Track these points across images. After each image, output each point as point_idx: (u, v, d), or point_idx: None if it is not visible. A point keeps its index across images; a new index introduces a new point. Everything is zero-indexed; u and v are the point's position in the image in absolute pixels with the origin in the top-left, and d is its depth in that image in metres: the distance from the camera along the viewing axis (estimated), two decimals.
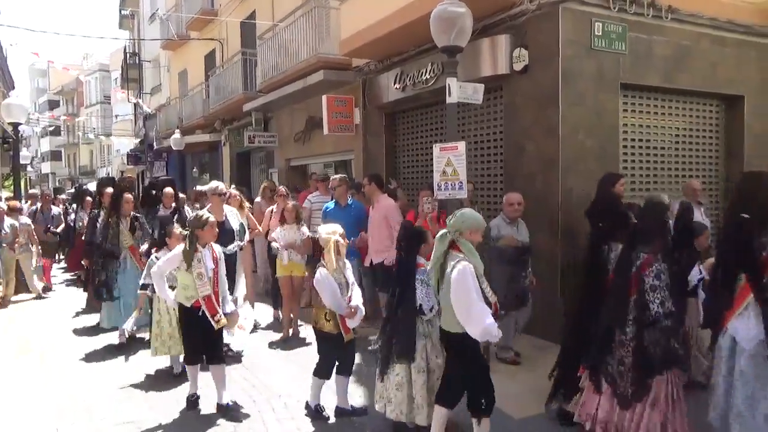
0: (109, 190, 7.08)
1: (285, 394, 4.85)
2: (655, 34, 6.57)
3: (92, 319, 7.28)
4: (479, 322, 3.38)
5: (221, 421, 4.34)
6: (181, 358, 5.11)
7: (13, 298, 8.93)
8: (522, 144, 6.55)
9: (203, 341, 4.44)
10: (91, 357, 6.02)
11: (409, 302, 3.82)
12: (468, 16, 5.26)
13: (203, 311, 4.35)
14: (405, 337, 3.79)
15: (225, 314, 4.46)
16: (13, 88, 19.47)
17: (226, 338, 4.77)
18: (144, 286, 5.13)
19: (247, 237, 6.24)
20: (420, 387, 3.82)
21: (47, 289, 9.77)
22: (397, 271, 3.99)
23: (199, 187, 10.03)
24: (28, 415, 4.52)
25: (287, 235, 6.33)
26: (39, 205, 10.60)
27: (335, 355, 4.28)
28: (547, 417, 4.20)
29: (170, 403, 4.71)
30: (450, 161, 5.35)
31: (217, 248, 4.61)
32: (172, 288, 4.62)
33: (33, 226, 9.34)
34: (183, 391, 4.92)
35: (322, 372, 4.32)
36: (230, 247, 5.75)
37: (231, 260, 5.58)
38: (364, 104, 9.61)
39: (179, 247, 4.44)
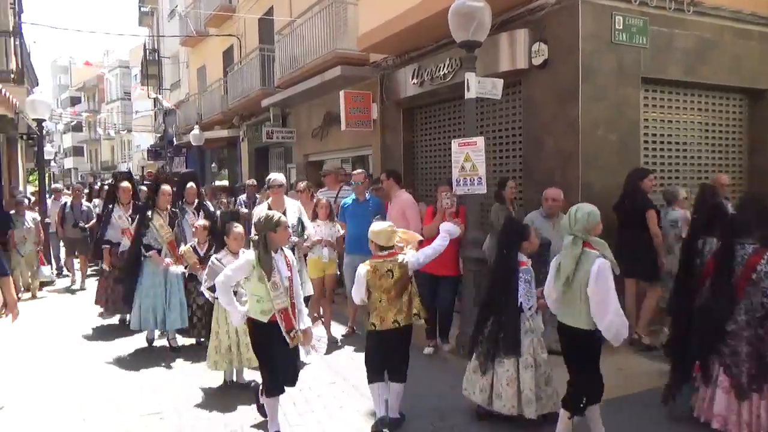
0: (125, 184, 6.93)
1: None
2: (677, 27, 6.47)
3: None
4: (614, 319, 3.36)
5: (244, 412, 4.40)
6: (244, 374, 4.95)
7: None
8: (541, 139, 6.52)
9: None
10: (118, 349, 6.13)
11: (512, 300, 3.86)
12: (487, 11, 5.23)
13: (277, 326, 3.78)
14: (511, 335, 3.84)
15: (301, 330, 3.87)
16: (37, 84, 19.81)
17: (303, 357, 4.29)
18: (213, 288, 4.36)
19: (309, 232, 5.85)
20: (528, 382, 3.88)
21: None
22: (498, 267, 4.00)
23: (217, 183, 10.09)
24: (55, 405, 4.63)
25: (321, 232, 6.09)
26: (69, 199, 10.18)
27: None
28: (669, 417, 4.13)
29: (194, 394, 4.80)
30: (469, 156, 5.34)
31: (289, 253, 4.02)
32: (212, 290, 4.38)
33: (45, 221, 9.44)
34: (209, 381, 5.00)
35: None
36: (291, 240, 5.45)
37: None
38: (381, 100, 9.62)
39: (249, 254, 3.80)
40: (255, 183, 10.05)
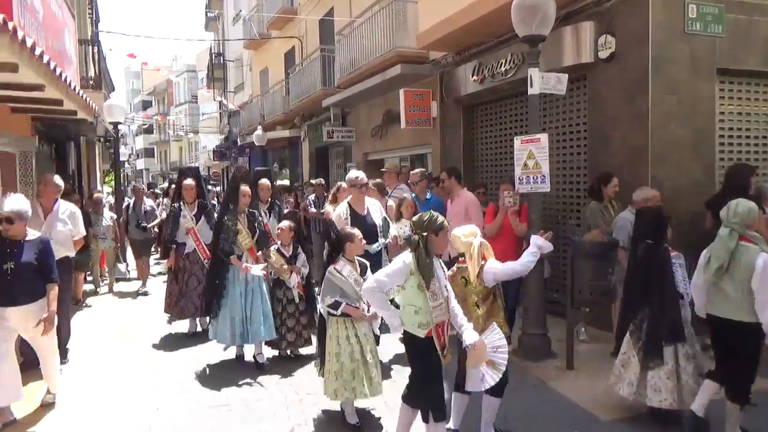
0: (189, 181, 6.53)
1: None
2: (756, 14, 6.09)
3: None
4: None
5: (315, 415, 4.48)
6: (369, 401, 4.33)
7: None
8: (608, 135, 6.30)
9: None
10: (187, 342, 6.39)
11: (669, 287, 3.90)
12: (551, 4, 5.10)
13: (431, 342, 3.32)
14: (672, 321, 3.86)
15: (468, 347, 3.36)
16: (113, 89, 20.91)
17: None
18: (336, 304, 3.98)
19: (392, 232, 5.58)
20: (690, 374, 3.89)
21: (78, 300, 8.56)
22: (649, 258, 3.99)
23: (278, 182, 10.18)
24: (128, 394, 4.88)
25: (405, 232, 5.67)
26: (132, 200, 10.11)
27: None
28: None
29: (260, 386, 4.93)
30: (532, 154, 5.23)
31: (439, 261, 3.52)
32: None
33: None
34: (277, 373, 5.13)
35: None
36: (374, 246, 5.18)
37: (375, 262, 4.87)
38: (441, 97, 9.57)
39: (406, 256, 3.32)
40: (323, 182, 9.94)
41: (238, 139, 24.56)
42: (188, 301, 6.52)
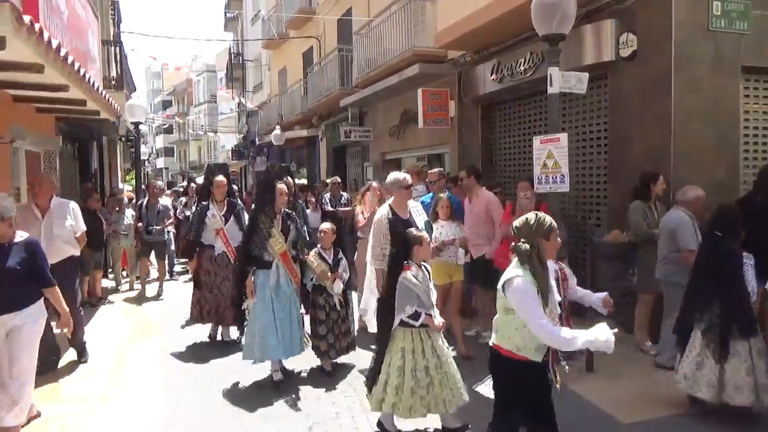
0: (221, 178, 6.15)
1: None
2: None
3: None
4: None
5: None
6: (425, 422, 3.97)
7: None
8: (629, 134, 6.22)
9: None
10: (207, 342, 6.44)
11: (740, 284, 3.90)
12: (571, 2, 5.04)
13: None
14: (746, 316, 3.87)
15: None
16: (135, 89, 21.19)
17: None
18: (416, 315, 3.68)
19: (435, 234, 5.31)
20: (763, 368, 3.89)
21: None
22: (719, 256, 3.99)
23: (297, 181, 10.12)
24: (146, 391, 4.95)
25: (446, 233, 5.45)
26: (146, 198, 9.19)
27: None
28: None
29: (279, 384, 4.97)
30: (551, 153, 5.18)
31: (554, 265, 3.11)
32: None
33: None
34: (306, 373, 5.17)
35: None
36: None
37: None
38: (459, 97, 9.54)
39: (516, 272, 2.81)
40: (339, 181, 9.83)
41: (257, 139, 24.74)
42: (223, 308, 6.04)
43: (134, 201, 10.65)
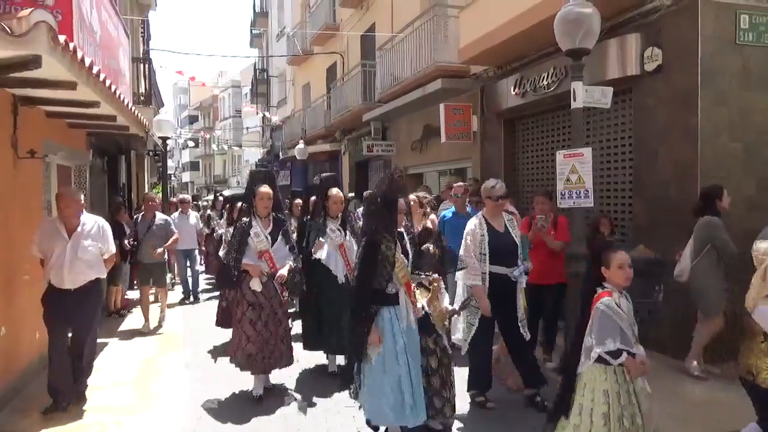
0: (265, 189, 4.92)
1: None
2: None
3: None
4: None
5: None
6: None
7: None
8: (654, 149, 6.14)
9: None
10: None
11: None
12: (595, 17, 5.04)
13: None
14: None
15: None
16: (163, 105, 21.66)
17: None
18: (618, 353, 3.05)
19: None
20: None
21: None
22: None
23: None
24: (169, 402, 5.00)
25: None
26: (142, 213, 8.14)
27: None
28: None
29: (299, 397, 4.98)
30: (575, 168, 5.15)
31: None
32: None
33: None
34: (314, 386, 5.16)
35: None
36: (515, 270, 4.51)
37: (511, 289, 4.50)
38: (482, 111, 9.54)
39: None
40: (354, 196, 9.86)
41: (280, 153, 25.00)
42: (272, 349, 4.92)
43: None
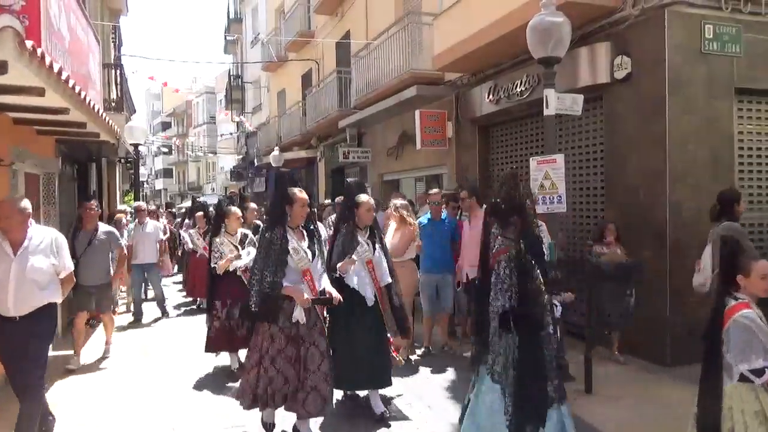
0: (303, 196, 4.10)
1: None
2: None
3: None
4: None
5: None
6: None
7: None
8: (625, 155, 6.27)
9: None
10: (203, 364, 6.40)
11: None
12: (566, 26, 5.15)
13: None
14: None
15: None
16: (135, 111, 21.34)
17: None
18: (762, 371, 2.84)
19: None
20: None
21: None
22: None
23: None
24: (143, 414, 4.90)
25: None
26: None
27: None
28: None
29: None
30: (548, 174, 5.23)
31: None
32: None
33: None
34: None
35: None
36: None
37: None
38: (456, 118, 9.62)
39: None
40: (330, 203, 9.56)
41: (256, 160, 24.83)
42: (311, 391, 3.97)
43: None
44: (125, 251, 6.99)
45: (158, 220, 10.44)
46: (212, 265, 5.87)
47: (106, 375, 6.07)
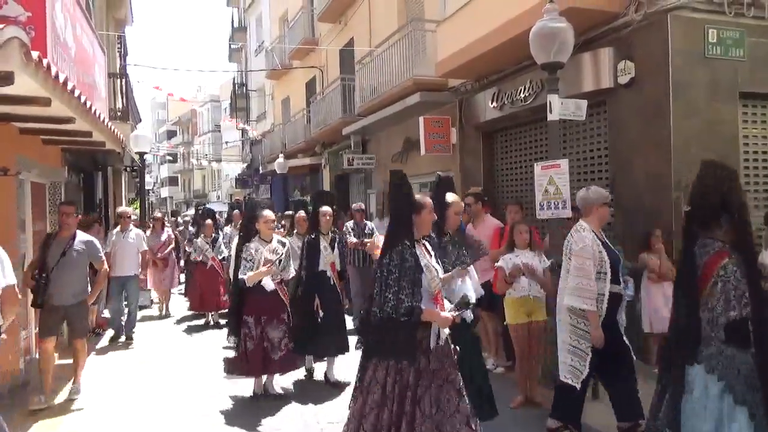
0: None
1: None
2: None
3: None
4: None
5: None
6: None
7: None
8: (629, 160, 6.26)
9: None
10: (202, 372, 6.39)
11: None
12: (569, 31, 5.14)
13: None
14: None
15: None
16: (140, 120, 21.46)
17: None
18: None
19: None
20: None
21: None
22: None
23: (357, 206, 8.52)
24: (145, 423, 4.90)
25: (510, 263, 4.84)
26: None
27: None
28: None
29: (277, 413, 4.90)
30: (552, 180, 5.21)
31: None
32: None
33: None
34: (296, 399, 5.09)
35: None
36: (627, 290, 4.26)
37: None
38: (460, 124, 9.63)
39: None
40: (363, 207, 8.78)
41: (260, 167, 24.90)
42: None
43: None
44: (106, 266, 5.80)
45: (163, 230, 10.26)
46: (241, 276, 5.06)
47: (82, 421, 4.85)
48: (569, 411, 4.09)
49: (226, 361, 5.31)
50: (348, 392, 4.64)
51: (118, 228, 8.05)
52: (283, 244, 5.39)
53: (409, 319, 3.01)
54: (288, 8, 20.32)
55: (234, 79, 30.19)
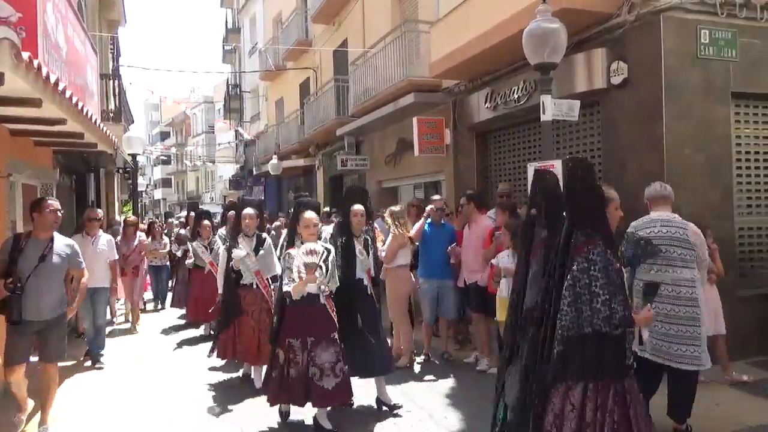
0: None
1: None
2: None
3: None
4: None
5: None
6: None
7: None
8: (622, 161, 6.28)
9: None
10: (199, 375, 6.37)
11: None
12: (562, 32, 5.17)
13: None
14: None
15: None
16: (133, 122, 21.36)
17: None
18: None
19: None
20: None
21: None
22: None
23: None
24: (143, 424, 4.87)
25: (506, 263, 5.15)
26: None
27: None
28: None
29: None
30: None
31: None
32: None
33: None
34: None
35: None
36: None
37: None
38: (454, 125, 9.64)
39: None
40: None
41: (254, 169, 24.86)
42: None
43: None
44: (85, 275, 4.87)
45: (135, 235, 9.13)
46: (285, 289, 4.28)
47: None
48: None
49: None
50: (407, 419, 4.68)
51: (83, 232, 6.66)
52: (329, 251, 4.48)
53: (623, 331, 2.67)
54: (282, 9, 20.30)
55: (228, 80, 30.14)
